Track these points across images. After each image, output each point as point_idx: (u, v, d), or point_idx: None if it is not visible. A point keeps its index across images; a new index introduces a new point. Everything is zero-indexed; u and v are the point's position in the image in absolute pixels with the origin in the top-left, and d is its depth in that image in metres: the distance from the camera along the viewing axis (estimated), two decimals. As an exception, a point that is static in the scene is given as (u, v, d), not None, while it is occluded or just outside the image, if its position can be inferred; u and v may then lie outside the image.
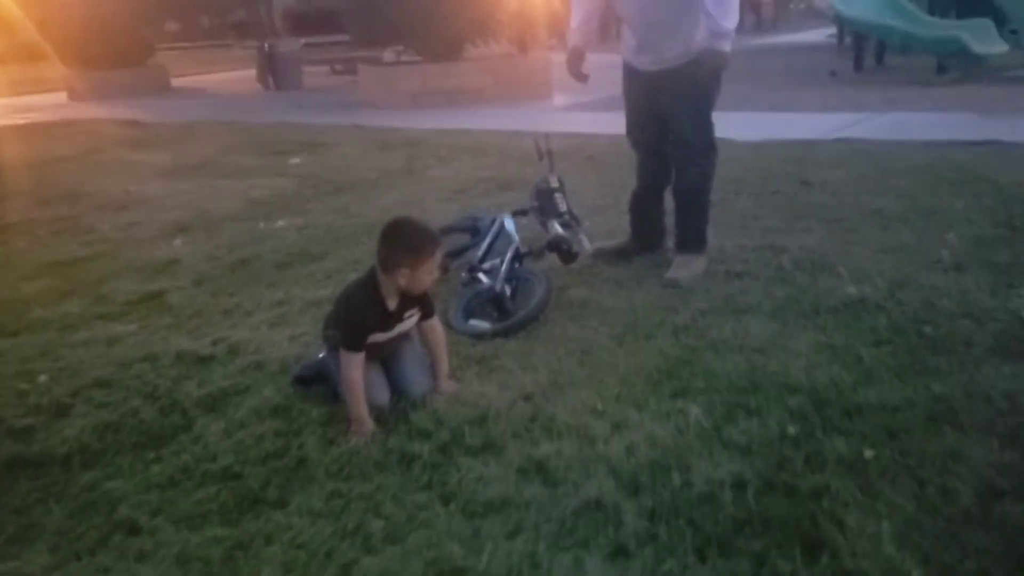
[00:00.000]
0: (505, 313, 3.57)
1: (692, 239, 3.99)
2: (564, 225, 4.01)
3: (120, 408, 2.99)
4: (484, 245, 4.06)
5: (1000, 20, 11.69)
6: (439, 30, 11.40)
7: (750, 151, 6.51)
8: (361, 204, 5.72)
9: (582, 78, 4.00)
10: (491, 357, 3.20)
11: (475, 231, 4.33)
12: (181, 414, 2.96)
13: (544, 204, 4.14)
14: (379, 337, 2.82)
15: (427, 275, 2.77)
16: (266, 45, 16.71)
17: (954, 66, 11.13)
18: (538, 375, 3.01)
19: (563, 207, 4.08)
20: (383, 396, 2.86)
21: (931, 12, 12.35)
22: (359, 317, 2.76)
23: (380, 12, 11.50)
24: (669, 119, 3.88)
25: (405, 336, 2.97)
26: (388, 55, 14.25)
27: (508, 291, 3.66)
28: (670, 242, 4.18)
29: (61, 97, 16.07)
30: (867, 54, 12.97)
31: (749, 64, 15.59)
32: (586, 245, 4.01)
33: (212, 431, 2.81)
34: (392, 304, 2.81)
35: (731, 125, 8.20)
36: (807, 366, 2.89)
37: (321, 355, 3.03)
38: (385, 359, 2.94)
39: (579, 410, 2.74)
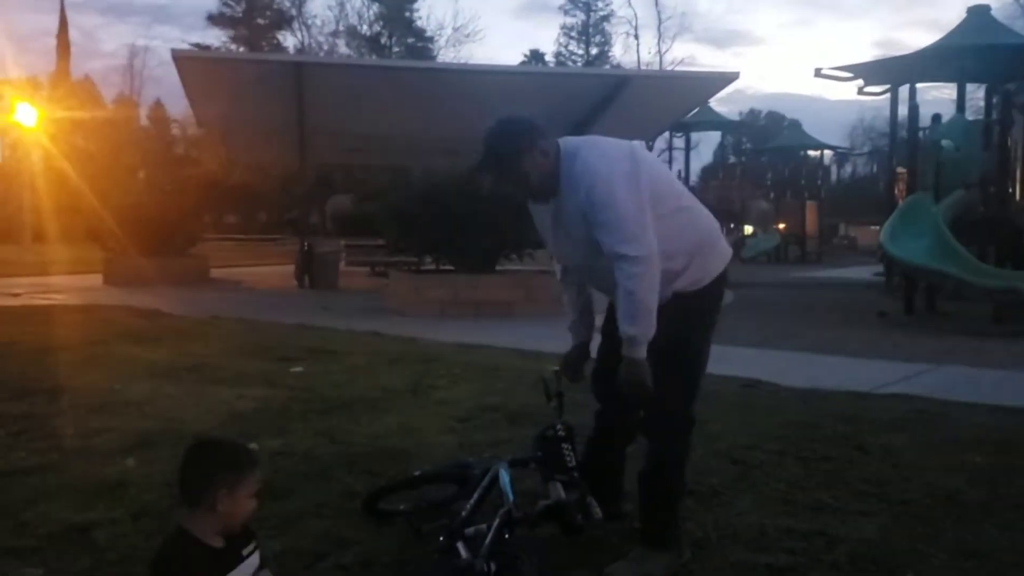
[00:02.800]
0: None
1: (652, 533, 3.18)
2: (570, 485, 3.31)
3: None
4: (471, 502, 3.35)
5: (1060, 272, 11.21)
6: (473, 243, 11.18)
7: (795, 401, 5.83)
8: (350, 429, 5.07)
9: (577, 379, 3.48)
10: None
11: (463, 480, 3.62)
12: None
13: (548, 457, 3.45)
14: None
15: (248, 498, 2.29)
16: (305, 244, 16.73)
17: (1012, 317, 10.55)
18: None
19: (571, 462, 3.38)
20: None
21: (982, 260, 11.92)
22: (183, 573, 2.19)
23: (415, 223, 11.37)
24: None
25: None
26: (427, 261, 14.09)
27: (491, 569, 2.91)
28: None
29: (98, 280, 16.07)
30: (918, 296, 12.46)
31: (794, 298, 15.24)
32: (596, 512, 3.28)
33: None
34: (218, 542, 2.25)
35: (775, 366, 7.83)
36: None
37: None
38: None
39: None
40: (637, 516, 3.29)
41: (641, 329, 2.90)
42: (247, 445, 2.47)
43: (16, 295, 13.74)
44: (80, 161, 30.21)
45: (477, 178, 3.49)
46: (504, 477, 3.38)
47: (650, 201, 2.97)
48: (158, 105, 55.46)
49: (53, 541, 3.45)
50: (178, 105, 29.73)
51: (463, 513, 3.23)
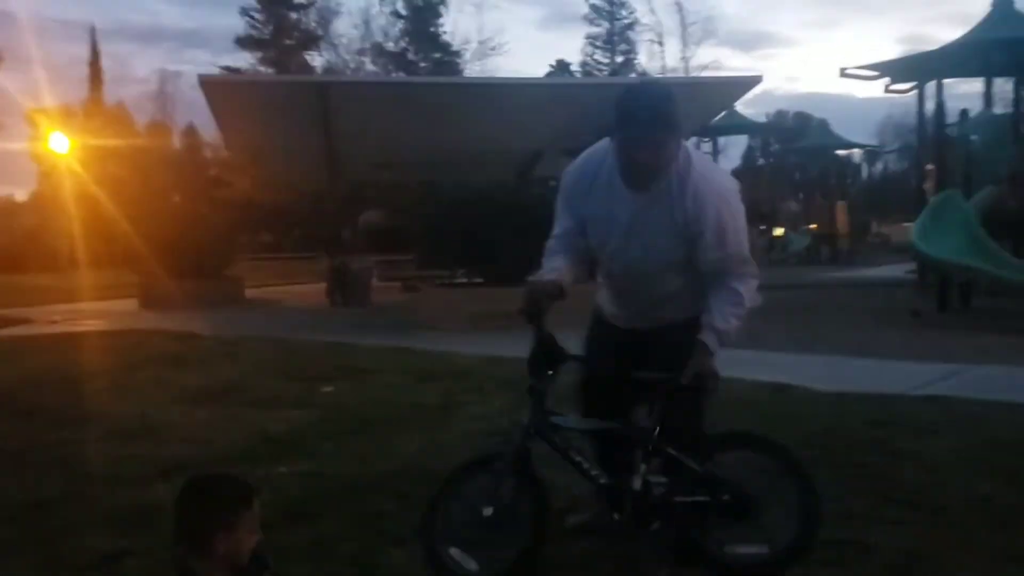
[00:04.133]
0: None
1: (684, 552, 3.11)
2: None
3: None
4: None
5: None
6: (503, 255, 11.18)
7: (828, 405, 5.77)
8: (380, 449, 5.09)
9: (536, 320, 3.14)
10: None
11: None
12: None
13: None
14: None
15: (249, 533, 2.21)
16: (337, 261, 16.82)
17: (1050, 313, 10.36)
18: None
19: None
20: None
21: (1016, 255, 11.71)
22: None
23: (445, 236, 11.40)
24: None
25: None
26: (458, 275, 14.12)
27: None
28: None
29: (133, 304, 16.26)
30: (952, 293, 12.29)
31: (826, 299, 15.08)
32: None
33: None
34: None
35: (806, 370, 7.75)
36: None
37: None
38: None
39: None
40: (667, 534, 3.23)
41: (735, 332, 3.00)
42: (244, 479, 2.37)
43: (54, 322, 13.95)
44: (114, 187, 30.57)
45: (643, 141, 2.79)
46: None
47: None
48: (191, 129, 56.14)
49: (86, 572, 3.49)
50: (211, 128, 30.10)
51: None
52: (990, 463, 4.37)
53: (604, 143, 3.07)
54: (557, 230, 3.30)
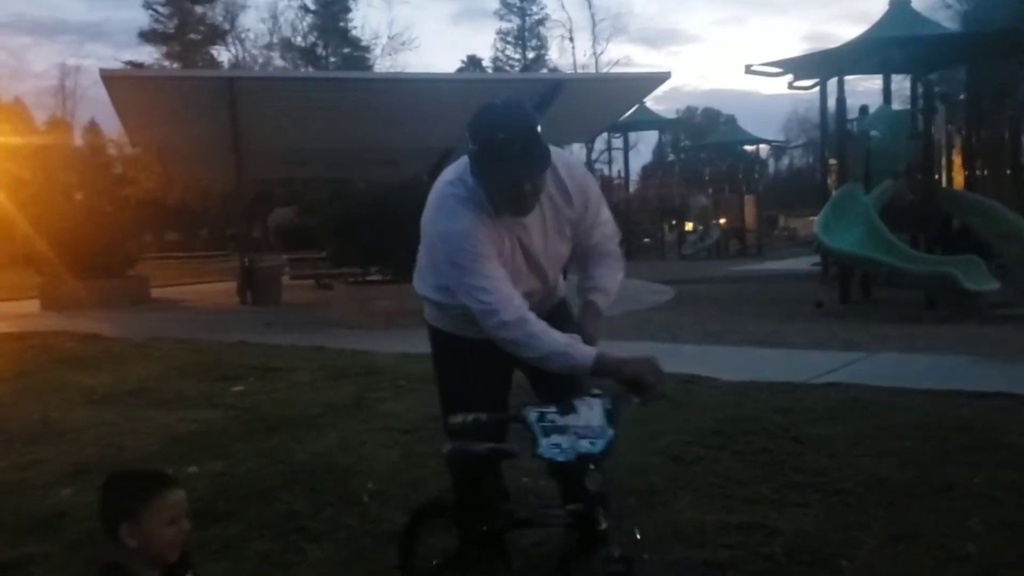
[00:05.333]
0: None
1: None
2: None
3: None
4: None
5: (986, 256, 11.52)
6: (416, 253, 11.15)
7: (734, 395, 5.93)
8: (292, 448, 5.04)
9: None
10: None
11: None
12: None
13: None
14: None
15: (160, 525, 2.15)
16: (246, 259, 16.55)
17: (944, 302, 10.82)
18: None
19: None
20: None
21: (914, 247, 12.20)
22: None
23: (357, 234, 11.33)
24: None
25: None
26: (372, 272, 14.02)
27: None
28: None
29: (35, 305, 15.72)
30: (853, 285, 12.74)
31: (733, 292, 15.47)
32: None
33: None
34: (153, 574, 2.19)
35: (714, 361, 7.97)
36: None
37: None
38: None
39: None
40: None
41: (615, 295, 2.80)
42: (161, 471, 2.35)
43: (-51, 326, 13.39)
44: (12, 185, 29.50)
45: (531, 182, 2.33)
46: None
47: None
48: (92, 125, 54.46)
49: (-13, 580, 3.40)
50: (114, 124, 29.28)
51: None
52: (884, 446, 4.56)
53: (450, 180, 2.59)
54: (498, 295, 2.44)
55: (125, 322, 12.39)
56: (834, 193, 13.59)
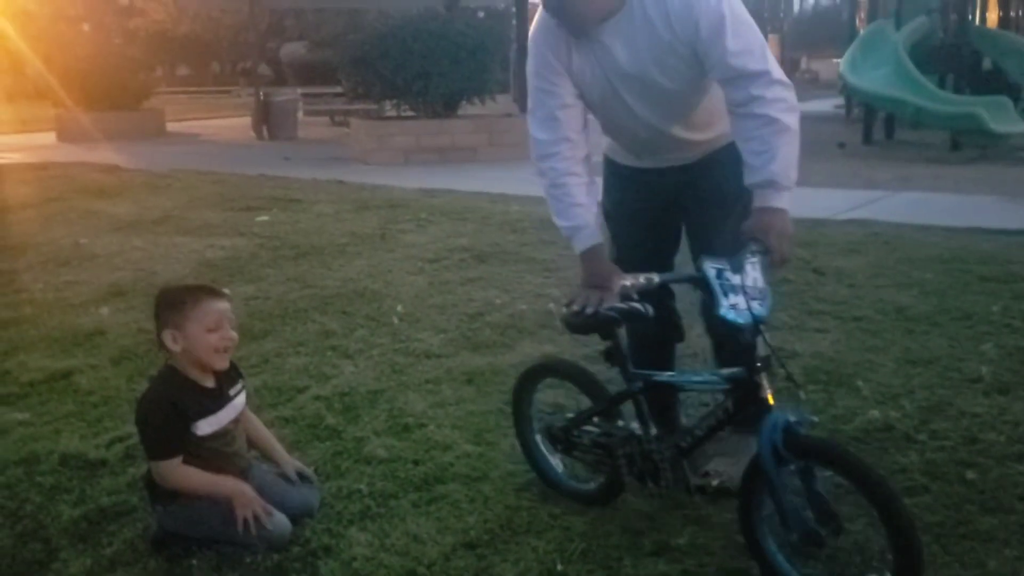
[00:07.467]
0: None
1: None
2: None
3: (-33, 533, 2.40)
4: None
5: (1015, 97, 11.29)
6: (434, 87, 10.99)
7: (756, 229, 5.97)
8: (321, 273, 5.15)
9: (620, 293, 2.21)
10: (434, 480, 2.61)
11: None
12: (43, 543, 2.37)
13: None
14: (214, 429, 2.33)
15: (202, 330, 2.29)
16: (261, 94, 16.34)
17: (969, 144, 10.68)
18: (488, 513, 2.42)
19: None
20: (283, 523, 2.31)
21: (942, 86, 11.93)
22: (168, 408, 2.28)
23: (374, 67, 11.11)
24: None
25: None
26: (387, 108, 13.84)
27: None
28: None
29: (51, 138, 15.68)
30: (876, 126, 12.55)
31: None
32: None
33: (73, 571, 2.22)
34: (208, 381, 2.36)
35: None
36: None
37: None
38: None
39: (534, 568, 2.15)
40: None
41: (795, 174, 2.31)
42: (207, 284, 2.50)
43: (-32, 156, 13.43)
44: (20, 19, 28.80)
45: None
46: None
47: None
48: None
49: (36, 387, 3.56)
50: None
51: None
52: (905, 278, 4.62)
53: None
54: (540, 113, 2.41)
55: (143, 154, 12.39)
56: (863, 30, 13.20)
